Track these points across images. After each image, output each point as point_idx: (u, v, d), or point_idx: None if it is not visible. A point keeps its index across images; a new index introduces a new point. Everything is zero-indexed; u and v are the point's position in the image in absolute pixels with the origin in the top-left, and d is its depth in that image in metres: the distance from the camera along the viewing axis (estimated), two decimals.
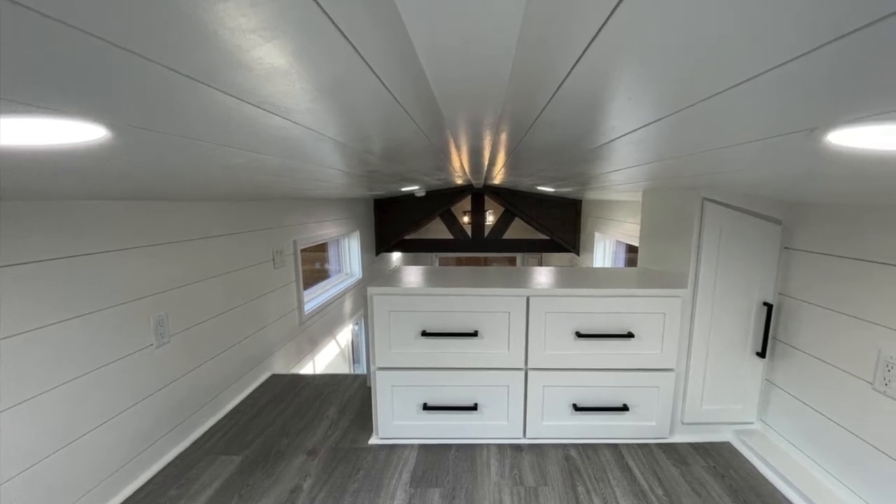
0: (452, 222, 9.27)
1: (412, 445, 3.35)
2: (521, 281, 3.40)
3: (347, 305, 7.57)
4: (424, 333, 3.19)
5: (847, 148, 1.25)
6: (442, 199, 8.91)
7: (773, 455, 3.05)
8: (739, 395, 3.34)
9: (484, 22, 0.79)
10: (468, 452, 3.27)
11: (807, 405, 2.90)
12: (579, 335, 3.19)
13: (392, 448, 3.32)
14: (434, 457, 3.22)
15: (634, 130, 1.50)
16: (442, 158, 3.01)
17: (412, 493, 2.88)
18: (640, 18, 0.72)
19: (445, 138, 2.15)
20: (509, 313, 3.17)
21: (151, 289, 3.14)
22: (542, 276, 3.63)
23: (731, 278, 3.14)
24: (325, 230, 6.46)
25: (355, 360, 8.50)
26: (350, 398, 4.13)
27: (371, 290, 3.18)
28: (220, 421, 3.82)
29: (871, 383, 2.44)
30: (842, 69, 0.78)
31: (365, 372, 4.73)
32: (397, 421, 3.37)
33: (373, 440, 3.42)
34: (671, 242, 3.44)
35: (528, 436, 3.40)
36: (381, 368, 3.28)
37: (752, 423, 3.39)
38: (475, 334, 3.19)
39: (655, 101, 1.14)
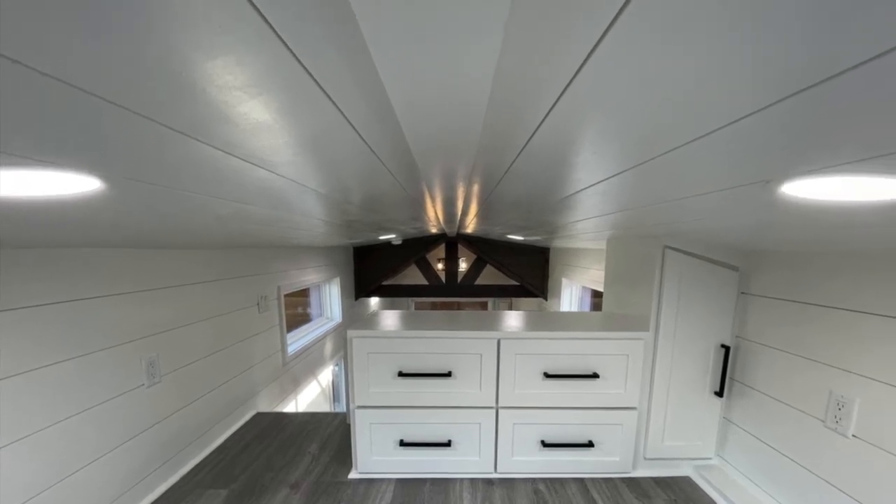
0: (427, 269, 9.27)
1: (389, 480, 3.32)
2: (493, 324, 3.39)
3: (328, 347, 7.52)
4: (401, 374, 3.18)
5: (799, 199, 1.27)
6: (417, 247, 8.92)
7: (730, 489, 3.05)
8: (699, 432, 3.34)
9: (457, 82, 0.80)
10: (442, 486, 3.24)
11: (763, 442, 2.90)
12: (547, 375, 3.19)
13: (370, 482, 3.29)
14: (410, 490, 3.19)
15: (599, 182, 1.51)
16: (417, 208, 3.02)
17: None
18: (602, 78, 0.73)
19: (421, 190, 2.16)
20: (481, 355, 3.17)
21: (143, 332, 3.13)
22: (513, 319, 3.63)
23: (691, 322, 3.15)
24: (307, 276, 6.46)
25: (335, 398, 8.44)
26: (331, 435, 4.10)
27: (350, 332, 3.17)
28: (207, 456, 3.78)
29: (823, 421, 2.45)
30: (794, 125, 0.80)
31: (345, 410, 4.70)
32: (375, 456, 3.35)
33: (352, 475, 3.39)
34: (634, 288, 3.45)
35: (498, 471, 3.38)
36: (360, 407, 3.25)
37: (710, 458, 3.39)
38: (449, 375, 3.18)
39: (618, 155, 1.15)
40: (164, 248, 3.35)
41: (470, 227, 5.55)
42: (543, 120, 0.95)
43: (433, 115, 0.98)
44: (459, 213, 3.45)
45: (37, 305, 2.40)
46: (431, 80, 0.80)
